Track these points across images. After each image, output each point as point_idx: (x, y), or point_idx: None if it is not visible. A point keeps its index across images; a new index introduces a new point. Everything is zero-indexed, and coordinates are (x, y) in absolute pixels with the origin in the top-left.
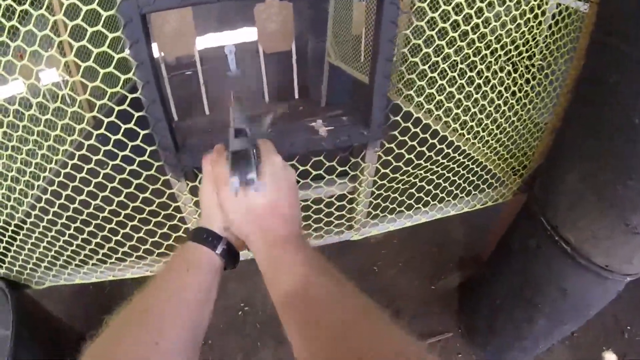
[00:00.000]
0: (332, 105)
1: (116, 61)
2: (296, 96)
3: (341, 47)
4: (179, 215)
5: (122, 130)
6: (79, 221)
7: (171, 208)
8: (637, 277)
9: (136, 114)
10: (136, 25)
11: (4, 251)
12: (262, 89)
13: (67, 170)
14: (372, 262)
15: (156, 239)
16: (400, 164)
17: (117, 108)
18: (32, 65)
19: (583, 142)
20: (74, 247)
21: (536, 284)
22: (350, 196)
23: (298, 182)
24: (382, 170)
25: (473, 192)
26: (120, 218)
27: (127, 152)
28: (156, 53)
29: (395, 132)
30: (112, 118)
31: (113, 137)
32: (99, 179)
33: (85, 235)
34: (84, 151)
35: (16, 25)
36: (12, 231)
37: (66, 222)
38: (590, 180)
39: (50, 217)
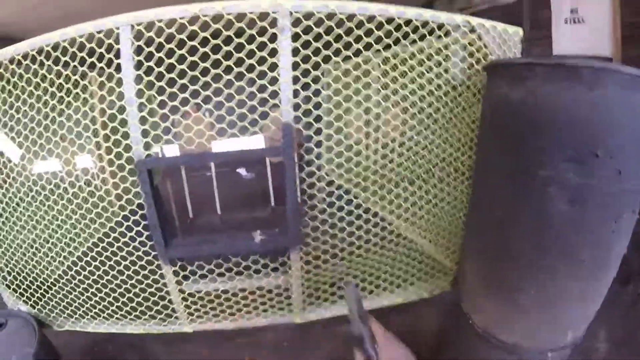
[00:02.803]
0: None
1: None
2: (298, 207)
3: None
4: (165, 289)
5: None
6: (99, 285)
7: (160, 283)
8: (563, 350)
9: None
10: (145, 174)
11: (40, 297)
12: (267, 194)
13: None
14: (346, 353)
15: (149, 303)
16: (320, 261)
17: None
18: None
19: (471, 239)
20: (92, 302)
21: None
22: (284, 285)
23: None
24: (306, 267)
25: (405, 284)
26: (127, 286)
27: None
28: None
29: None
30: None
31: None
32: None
33: (102, 294)
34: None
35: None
36: (50, 284)
37: (90, 283)
38: (479, 269)
39: (80, 277)
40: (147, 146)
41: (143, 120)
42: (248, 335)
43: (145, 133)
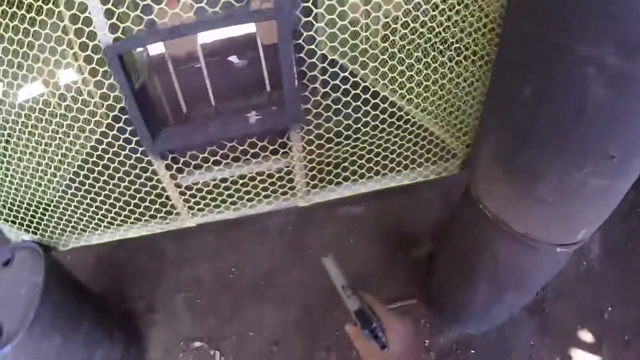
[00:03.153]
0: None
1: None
2: (296, 84)
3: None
4: (160, 185)
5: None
6: (94, 194)
7: (155, 179)
8: (571, 247)
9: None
10: (115, 62)
11: (39, 220)
12: (262, 78)
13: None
14: (348, 234)
15: (147, 203)
16: (322, 141)
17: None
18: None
19: (492, 118)
20: (90, 214)
21: (472, 251)
22: (286, 169)
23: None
24: (308, 148)
25: (411, 166)
26: (123, 189)
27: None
28: (162, 50)
29: (312, 117)
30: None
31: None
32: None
33: (98, 204)
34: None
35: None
36: (46, 204)
37: (85, 194)
38: (498, 153)
39: (72, 191)
40: (113, 29)
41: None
42: (253, 221)
43: (110, 15)
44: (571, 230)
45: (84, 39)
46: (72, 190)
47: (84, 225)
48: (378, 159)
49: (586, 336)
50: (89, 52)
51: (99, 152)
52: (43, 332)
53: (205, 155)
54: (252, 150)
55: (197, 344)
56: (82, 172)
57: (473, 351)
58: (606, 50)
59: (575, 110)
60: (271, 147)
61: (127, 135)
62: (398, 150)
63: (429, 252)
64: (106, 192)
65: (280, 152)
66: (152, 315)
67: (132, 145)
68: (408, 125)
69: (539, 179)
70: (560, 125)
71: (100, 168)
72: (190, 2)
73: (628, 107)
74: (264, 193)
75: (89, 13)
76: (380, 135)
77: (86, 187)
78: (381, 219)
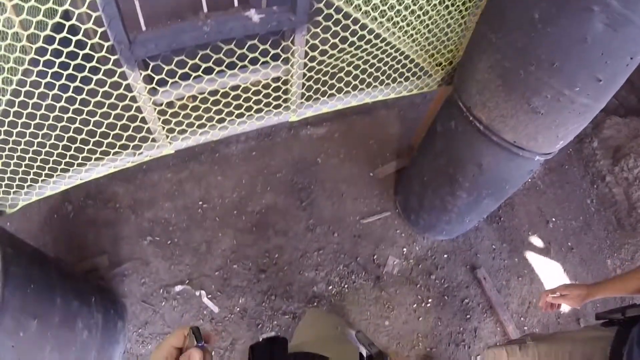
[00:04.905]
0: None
1: None
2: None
3: None
4: (135, 105)
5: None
6: (45, 127)
7: (127, 99)
8: (547, 156)
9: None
10: None
11: None
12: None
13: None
14: (316, 155)
15: (117, 131)
16: (327, 47)
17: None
18: None
19: (491, 36)
20: (42, 156)
21: (456, 161)
22: (284, 78)
23: None
24: (311, 54)
25: (399, 80)
26: (84, 116)
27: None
28: None
29: (320, 19)
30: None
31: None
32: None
33: (52, 140)
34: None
35: None
36: None
37: (33, 131)
38: (497, 68)
39: (18, 130)
40: None
41: None
42: (211, 151)
43: None
44: (554, 140)
45: None
46: (17, 128)
47: (35, 173)
48: (372, 70)
49: (537, 241)
50: None
51: (45, 65)
52: (17, 321)
53: (197, 61)
54: (251, 55)
55: (179, 287)
56: (26, 97)
57: (446, 255)
58: None
59: (577, 38)
60: (272, 52)
61: (96, 40)
62: (390, 63)
63: (396, 168)
64: (63, 122)
65: (281, 58)
66: (120, 269)
67: (102, 53)
68: (391, 50)
69: (536, 93)
70: (561, 49)
71: (51, 91)
72: None
73: (620, 43)
74: (255, 107)
75: None
76: (366, 56)
77: (35, 120)
78: (345, 139)
